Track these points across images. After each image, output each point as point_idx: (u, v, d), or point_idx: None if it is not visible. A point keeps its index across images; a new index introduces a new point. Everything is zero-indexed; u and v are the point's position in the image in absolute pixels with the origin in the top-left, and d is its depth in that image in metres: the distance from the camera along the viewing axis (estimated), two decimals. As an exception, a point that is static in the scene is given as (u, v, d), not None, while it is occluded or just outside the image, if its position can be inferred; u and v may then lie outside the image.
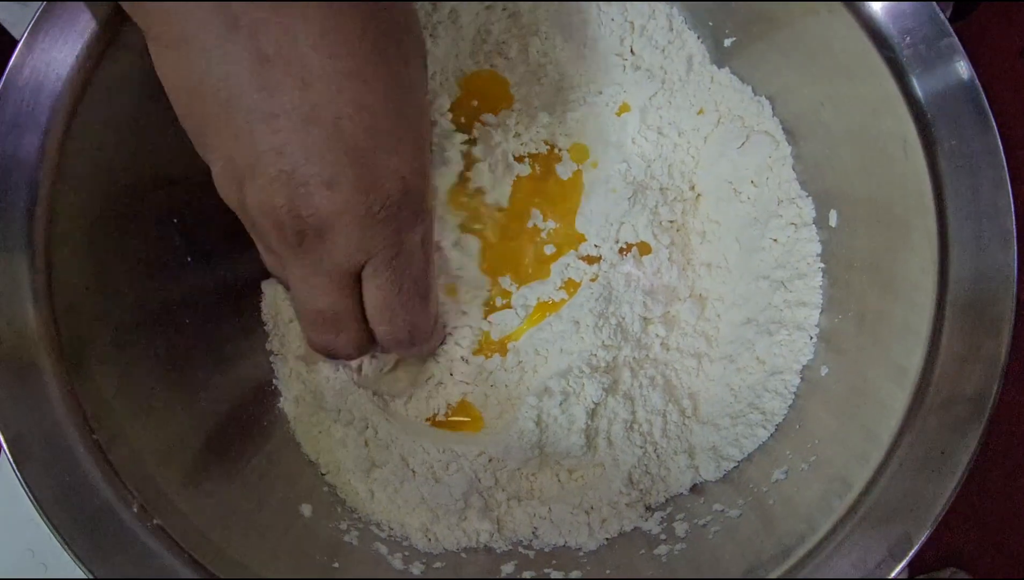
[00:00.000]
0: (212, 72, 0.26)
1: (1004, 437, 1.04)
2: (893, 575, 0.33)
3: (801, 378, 0.40)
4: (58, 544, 0.32)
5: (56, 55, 0.34)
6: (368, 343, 0.35)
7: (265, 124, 0.26)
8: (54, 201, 0.35)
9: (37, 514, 0.32)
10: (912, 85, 0.35)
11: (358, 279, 0.31)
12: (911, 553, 0.32)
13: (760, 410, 0.40)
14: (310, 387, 0.43)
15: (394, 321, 0.33)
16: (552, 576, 0.39)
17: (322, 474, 0.42)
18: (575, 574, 0.38)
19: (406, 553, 0.40)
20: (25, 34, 0.34)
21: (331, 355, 0.35)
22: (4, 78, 0.34)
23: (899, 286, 0.36)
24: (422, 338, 0.35)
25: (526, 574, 0.39)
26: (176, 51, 0.26)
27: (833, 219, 0.40)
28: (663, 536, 0.39)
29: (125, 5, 0.27)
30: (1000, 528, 1.04)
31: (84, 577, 0.32)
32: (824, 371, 0.39)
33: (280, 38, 0.25)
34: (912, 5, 0.34)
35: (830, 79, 0.38)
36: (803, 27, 0.38)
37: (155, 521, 0.34)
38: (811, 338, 0.40)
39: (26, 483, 0.32)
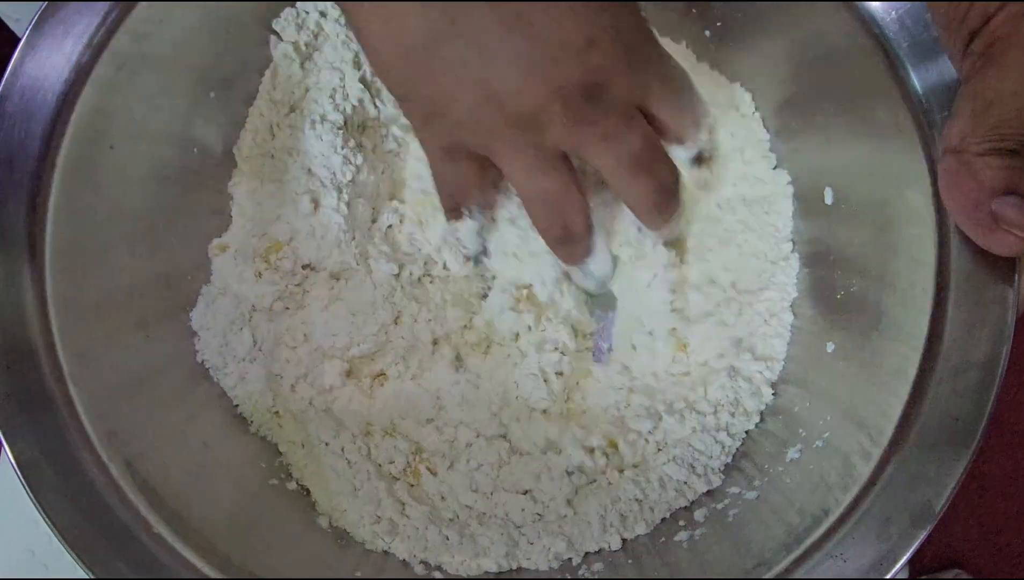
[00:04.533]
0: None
1: (1004, 437, 1.05)
2: (903, 562, 0.33)
3: (808, 357, 0.41)
4: (59, 544, 0.32)
5: (58, 54, 0.35)
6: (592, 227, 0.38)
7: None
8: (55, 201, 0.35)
9: (38, 514, 0.32)
10: (907, 71, 0.35)
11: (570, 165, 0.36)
12: (934, 520, 0.32)
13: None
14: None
15: (630, 188, 0.36)
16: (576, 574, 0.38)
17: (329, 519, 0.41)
18: (597, 566, 0.38)
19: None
20: (26, 33, 0.34)
21: (569, 240, 0.38)
22: (5, 78, 0.34)
23: (900, 259, 0.36)
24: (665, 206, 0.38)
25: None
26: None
27: (829, 197, 0.40)
28: (682, 523, 0.39)
29: None
30: (1000, 528, 1.04)
31: (84, 578, 0.32)
32: (831, 348, 0.39)
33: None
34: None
35: (821, 65, 0.39)
36: (793, 15, 0.39)
37: (170, 539, 0.34)
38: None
39: (39, 504, 0.32)
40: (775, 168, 0.43)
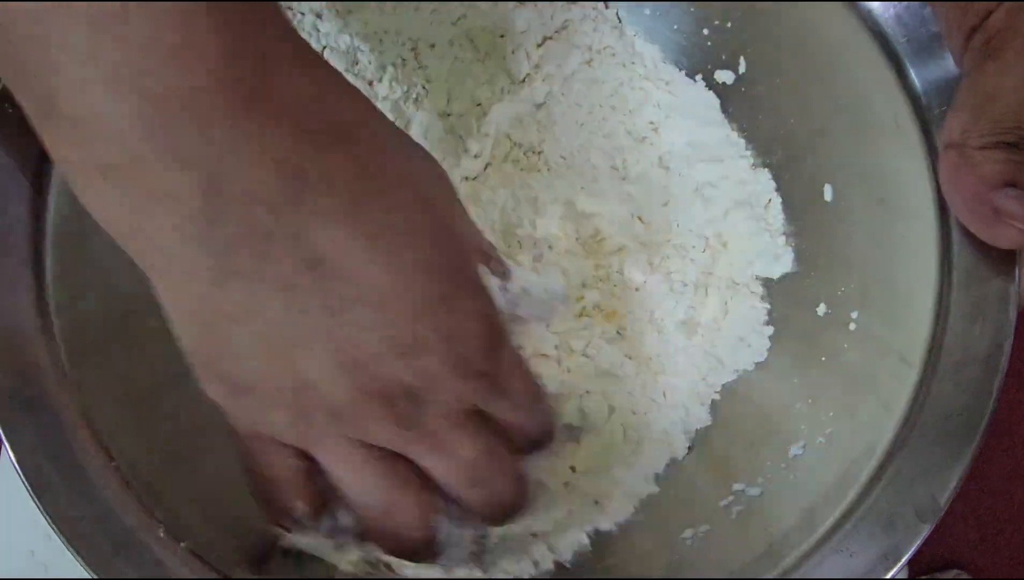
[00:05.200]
0: None
1: (1004, 437, 1.05)
2: (909, 555, 0.33)
3: (809, 353, 0.40)
4: (59, 544, 0.32)
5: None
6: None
7: None
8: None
9: (38, 514, 0.32)
10: (905, 66, 0.35)
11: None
12: (939, 514, 0.32)
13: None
14: None
15: (462, 498, 0.31)
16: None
17: None
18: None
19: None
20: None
21: (405, 553, 0.32)
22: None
23: (901, 255, 0.37)
24: None
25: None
26: None
27: (828, 194, 0.40)
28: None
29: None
30: (1000, 528, 1.04)
31: (85, 578, 0.32)
32: (832, 344, 0.39)
33: None
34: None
35: (819, 61, 0.39)
36: (790, 12, 0.39)
37: (182, 544, 0.34)
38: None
39: (49, 515, 0.32)
40: (754, 167, 0.43)
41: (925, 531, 0.32)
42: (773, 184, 0.43)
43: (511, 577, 0.38)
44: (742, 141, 0.44)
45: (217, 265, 0.24)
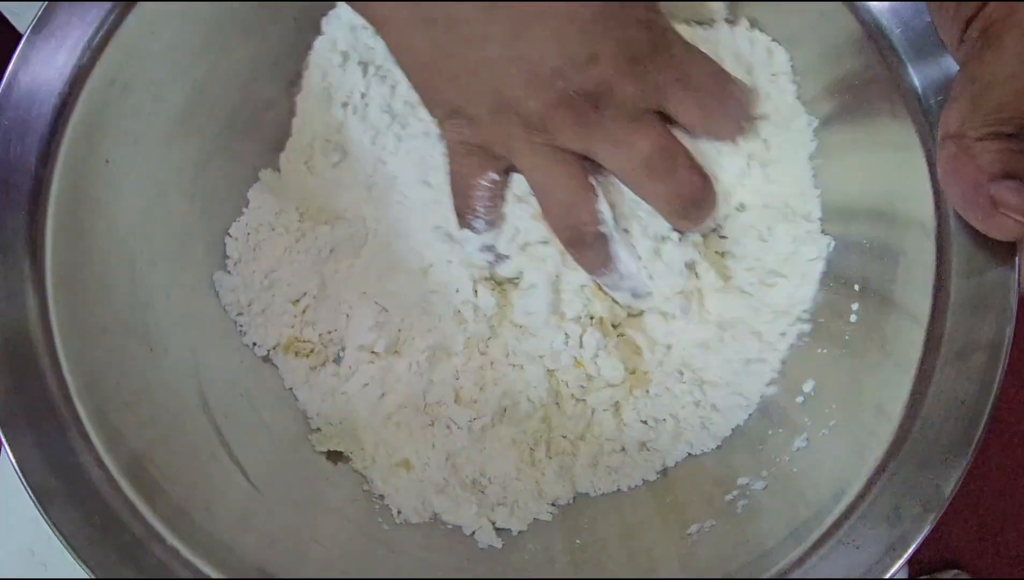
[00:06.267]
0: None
1: (1004, 437, 1.05)
2: (915, 546, 0.33)
3: (811, 346, 0.40)
4: (58, 544, 0.32)
5: (50, 68, 0.35)
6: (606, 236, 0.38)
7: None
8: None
9: (37, 514, 0.32)
10: (900, 58, 0.36)
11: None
12: (944, 504, 0.32)
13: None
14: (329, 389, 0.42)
15: (647, 193, 0.37)
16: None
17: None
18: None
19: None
20: (25, 36, 0.34)
21: (580, 241, 0.38)
22: (4, 81, 0.34)
23: (900, 247, 0.37)
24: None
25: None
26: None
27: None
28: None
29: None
30: (1000, 528, 1.04)
31: (84, 577, 0.31)
32: (834, 337, 0.39)
33: None
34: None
35: (814, 53, 0.39)
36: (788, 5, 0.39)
37: (182, 548, 0.34)
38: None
39: (54, 523, 0.32)
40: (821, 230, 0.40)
41: (931, 521, 0.32)
42: (827, 249, 0.40)
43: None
44: (816, 191, 0.40)
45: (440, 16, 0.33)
